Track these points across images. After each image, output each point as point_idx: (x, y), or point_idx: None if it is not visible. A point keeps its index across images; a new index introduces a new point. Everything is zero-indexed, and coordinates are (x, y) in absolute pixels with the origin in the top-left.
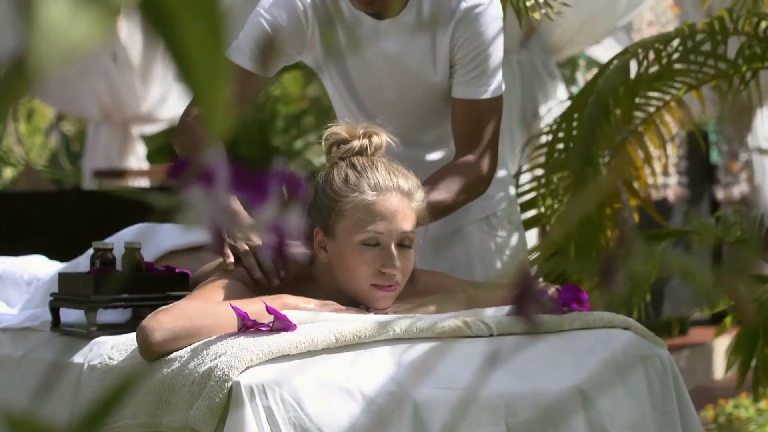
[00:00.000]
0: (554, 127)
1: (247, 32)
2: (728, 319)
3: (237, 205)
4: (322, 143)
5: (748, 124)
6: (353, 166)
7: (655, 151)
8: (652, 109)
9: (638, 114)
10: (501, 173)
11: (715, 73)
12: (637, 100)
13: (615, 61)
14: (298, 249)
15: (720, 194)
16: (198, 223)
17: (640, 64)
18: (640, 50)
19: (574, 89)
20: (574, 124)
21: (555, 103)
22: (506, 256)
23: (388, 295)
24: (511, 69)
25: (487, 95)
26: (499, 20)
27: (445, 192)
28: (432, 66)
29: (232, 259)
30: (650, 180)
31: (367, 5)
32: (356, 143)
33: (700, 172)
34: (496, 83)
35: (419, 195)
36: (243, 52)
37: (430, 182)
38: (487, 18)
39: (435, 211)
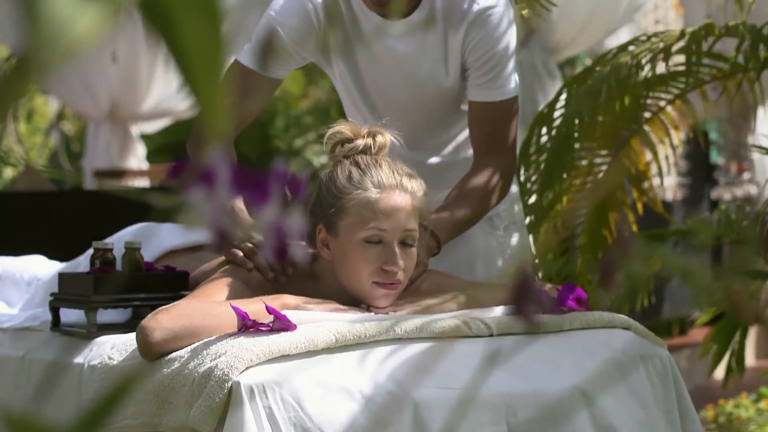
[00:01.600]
0: (544, 110)
1: (258, 34)
2: (706, 314)
3: (239, 204)
4: (325, 142)
5: (749, 124)
6: (357, 164)
7: (659, 150)
8: (655, 109)
9: (641, 111)
10: None
11: (717, 74)
12: (640, 99)
13: (613, 54)
14: (299, 248)
15: (720, 194)
16: (199, 224)
17: (637, 63)
18: (642, 44)
19: None
20: (560, 111)
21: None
22: (509, 256)
23: (389, 294)
24: None
25: (503, 97)
26: (511, 22)
27: (475, 206)
28: (444, 70)
29: (250, 264)
30: (656, 180)
31: (381, 6)
32: (360, 142)
33: (700, 172)
34: (512, 84)
35: (422, 193)
36: (254, 54)
37: (459, 197)
38: (500, 20)
39: (466, 227)
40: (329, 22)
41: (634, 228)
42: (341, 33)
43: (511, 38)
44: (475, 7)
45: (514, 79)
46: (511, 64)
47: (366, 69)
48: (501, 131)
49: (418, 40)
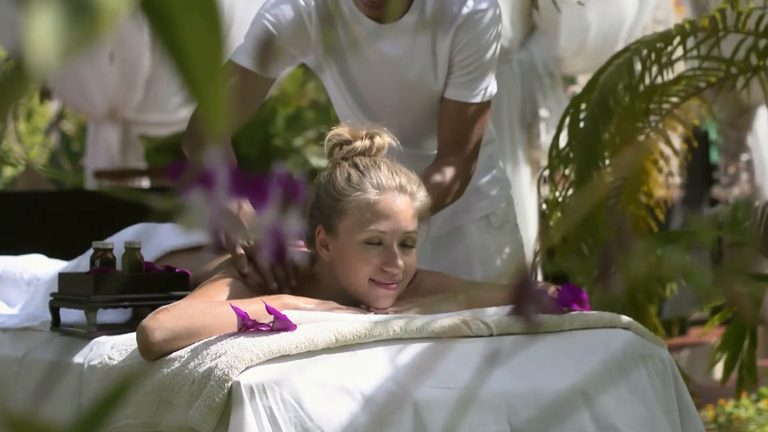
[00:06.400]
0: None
1: (250, 34)
2: (717, 317)
3: (245, 206)
4: (325, 144)
5: (748, 123)
6: (356, 166)
7: (665, 151)
8: (658, 113)
9: (647, 114)
10: (499, 172)
11: (718, 73)
12: (642, 104)
13: (617, 60)
14: (299, 250)
15: (720, 194)
16: (197, 226)
17: (643, 64)
18: (643, 49)
19: (575, 89)
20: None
21: (555, 103)
22: (505, 255)
23: (388, 294)
24: (511, 69)
25: (477, 99)
26: (498, 25)
27: (431, 194)
28: (433, 74)
29: (247, 269)
30: (662, 180)
31: (372, 9)
32: (359, 144)
33: (700, 172)
34: (488, 89)
35: (422, 195)
36: (248, 54)
37: None
38: (487, 23)
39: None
40: (324, 23)
41: (653, 225)
42: (334, 35)
43: (496, 42)
44: (465, 11)
45: (492, 84)
46: (493, 69)
47: (356, 69)
48: (469, 132)
49: (407, 43)
